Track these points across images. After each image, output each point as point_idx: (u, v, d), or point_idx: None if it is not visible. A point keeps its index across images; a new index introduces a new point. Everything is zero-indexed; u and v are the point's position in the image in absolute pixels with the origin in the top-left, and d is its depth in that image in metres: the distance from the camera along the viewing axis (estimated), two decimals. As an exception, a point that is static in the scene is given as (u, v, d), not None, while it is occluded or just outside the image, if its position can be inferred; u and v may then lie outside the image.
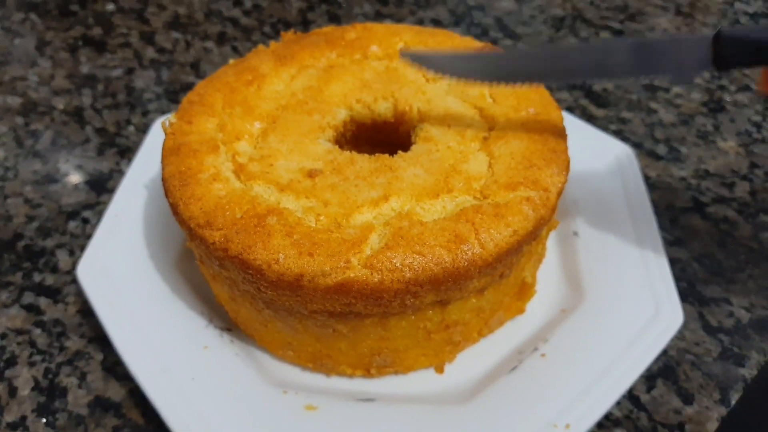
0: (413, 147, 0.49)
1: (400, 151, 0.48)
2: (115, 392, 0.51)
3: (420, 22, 0.93)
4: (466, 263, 0.41)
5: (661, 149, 0.72)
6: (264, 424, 0.45)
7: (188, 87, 0.82)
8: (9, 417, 0.49)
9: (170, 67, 0.86)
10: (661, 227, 0.61)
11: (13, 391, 0.51)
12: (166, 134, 0.50)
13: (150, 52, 0.88)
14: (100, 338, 0.54)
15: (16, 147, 0.73)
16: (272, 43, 0.58)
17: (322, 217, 0.43)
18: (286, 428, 0.45)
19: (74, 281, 0.59)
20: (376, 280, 0.40)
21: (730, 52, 0.40)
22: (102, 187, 0.69)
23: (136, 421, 0.49)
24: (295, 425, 0.45)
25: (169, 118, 0.51)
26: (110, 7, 0.97)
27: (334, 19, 0.95)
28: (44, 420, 0.49)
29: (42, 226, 0.64)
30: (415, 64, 0.49)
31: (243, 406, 0.46)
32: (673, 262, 0.59)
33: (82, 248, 0.62)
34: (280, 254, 0.41)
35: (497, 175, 0.46)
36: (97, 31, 0.92)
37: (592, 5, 0.97)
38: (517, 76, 0.46)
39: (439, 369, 0.50)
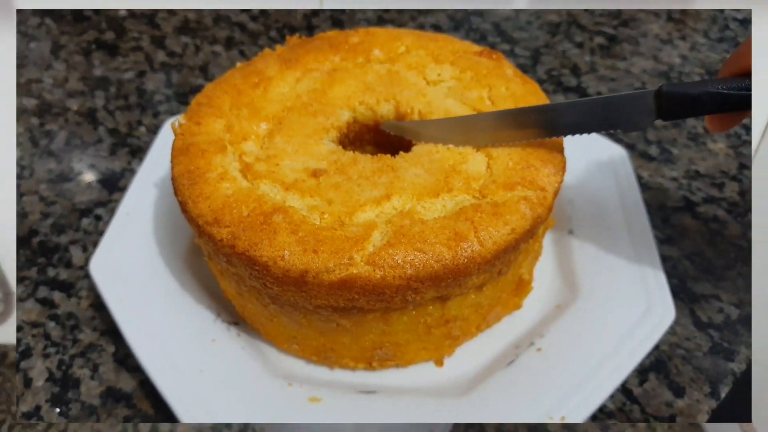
0: (414, 148, 0.49)
1: (401, 152, 0.48)
2: (126, 383, 0.51)
3: (421, 27, 0.94)
4: (466, 260, 0.41)
5: (654, 150, 0.73)
6: (269, 415, 0.45)
7: (197, 89, 0.82)
8: (24, 407, 0.50)
9: (180, 70, 0.86)
10: (654, 226, 0.61)
11: (28, 382, 0.52)
12: (175, 135, 0.50)
13: (160, 56, 0.89)
14: (111, 331, 0.54)
15: (31, 147, 0.74)
16: (278, 47, 0.58)
17: (326, 216, 0.43)
18: (290, 419, 0.45)
19: (87, 276, 0.59)
20: (378, 276, 0.40)
21: (671, 106, 0.42)
22: (114, 185, 0.69)
23: (146, 411, 0.49)
24: (300, 417, 0.45)
25: (179, 119, 0.51)
26: (122, 12, 0.98)
27: (338, 24, 0.95)
28: (58, 410, 0.50)
29: (56, 222, 0.65)
30: (397, 132, 0.51)
31: (249, 398, 0.46)
32: (665, 260, 0.58)
33: (95, 244, 0.62)
34: (286, 251, 0.41)
35: (495, 175, 0.46)
36: (109, 36, 0.93)
37: (587, 11, 0.98)
38: (484, 140, 0.48)
39: (439, 362, 0.50)
